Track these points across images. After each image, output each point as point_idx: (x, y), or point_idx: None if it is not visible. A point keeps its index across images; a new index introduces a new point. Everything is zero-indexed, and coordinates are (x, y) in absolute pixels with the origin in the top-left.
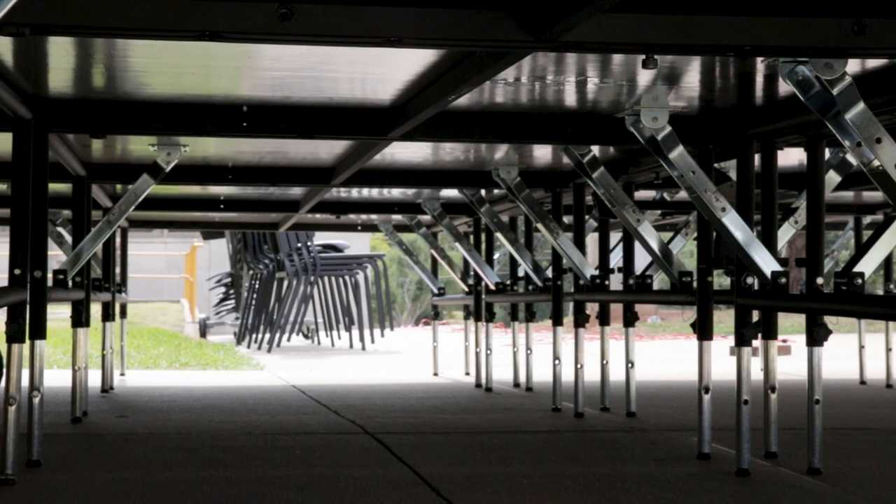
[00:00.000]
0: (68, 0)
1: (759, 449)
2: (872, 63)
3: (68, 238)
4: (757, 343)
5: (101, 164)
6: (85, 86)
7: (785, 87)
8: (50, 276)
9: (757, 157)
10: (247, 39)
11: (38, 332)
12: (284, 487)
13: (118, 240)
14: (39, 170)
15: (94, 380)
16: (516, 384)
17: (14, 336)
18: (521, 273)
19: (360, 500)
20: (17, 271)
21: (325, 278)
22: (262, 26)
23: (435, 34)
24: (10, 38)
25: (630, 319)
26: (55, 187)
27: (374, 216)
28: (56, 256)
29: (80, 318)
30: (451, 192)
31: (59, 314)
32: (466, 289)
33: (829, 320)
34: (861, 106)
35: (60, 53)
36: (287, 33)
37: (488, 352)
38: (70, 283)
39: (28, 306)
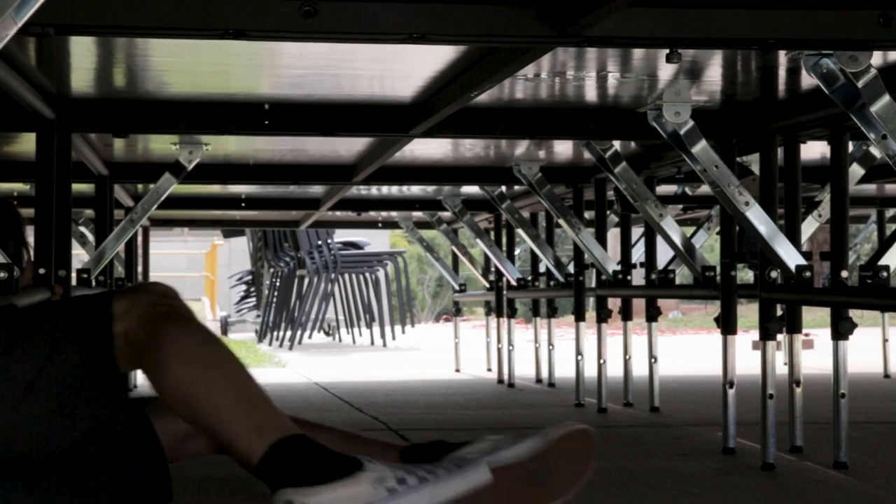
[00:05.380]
0: (92, 0)
1: (784, 443)
2: None
3: (91, 237)
4: (780, 337)
5: (124, 164)
6: (107, 85)
7: (808, 81)
8: (73, 275)
9: (780, 151)
10: (270, 38)
11: None
12: None
13: (140, 239)
14: (63, 170)
15: None
16: (538, 380)
17: None
18: (542, 269)
19: None
20: (41, 271)
21: (346, 275)
22: (284, 24)
23: (458, 30)
24: (33, 39)
25: (652, 314)
26: (77, 187)
27: (394, 213)
28: (78, 256)
29: None
30: (471, 189)
31: None
32: (488, 285)
33: (853, 314)
34: (886, 98)
35: (83, 53)
36: (310, 31)
37: (510, 348)
38: (93, 283)
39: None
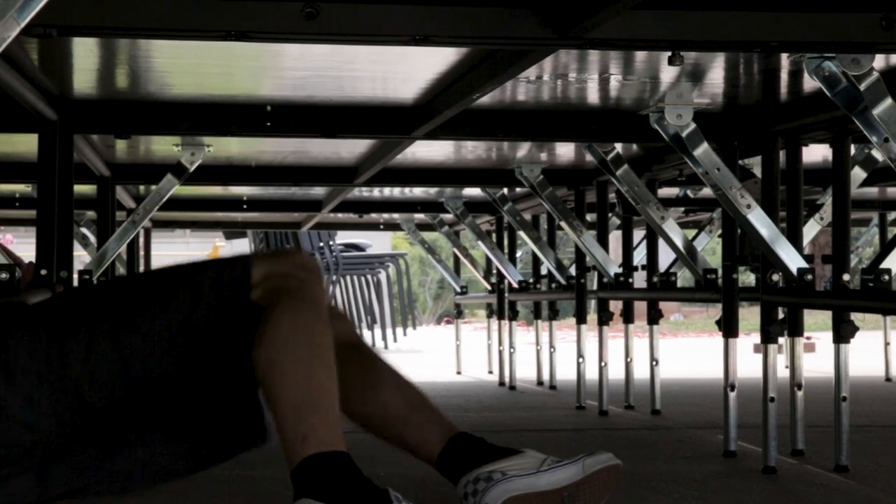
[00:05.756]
0: (95, 1)
1: (785, 447)
2: None
3: (93, 239)
4: (782, 340)
5: (126, 165)
6: (109, 87)
7: (810, 84)
8: (75, 276)
9: (782, 154)
10: (272, 39)
11: None
12: None
13: (141, 240)
14: (65, 171)
15: None
16: (539, 382)
17: None
18: (543, 271)
19: None
20: (43, 272)
21: (347, 277)
22: (287, 26)
23: (461, 32)
24: (35, 40)
25: (654, 317)
26: (79, 188)
27: (396, 215)
28: (80, 257)
29: None
30: (473, 191)
31: None
32: (489, 287)
33: (855, 317)
34: (889, 101)
35: (86, 55)
36: (312, 32)
37: (511, 350)
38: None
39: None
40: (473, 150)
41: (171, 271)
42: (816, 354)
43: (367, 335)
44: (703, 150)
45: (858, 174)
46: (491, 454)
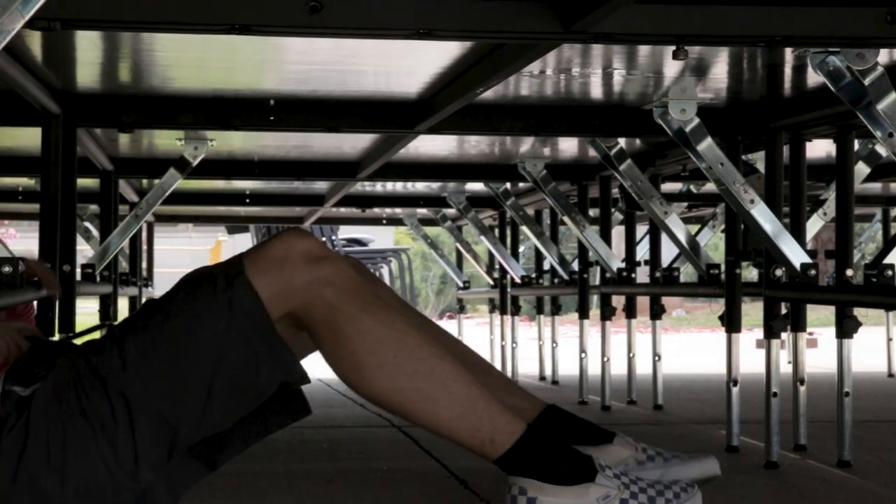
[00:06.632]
0: None
1: (787, 441)
2: None
3: (95, 233)
4: (785, 336)
5: (129, 159)
6: (113, 80)
7: (813, 79)
8: (78, 270)
9: (785, 149)
10: (276, 33)
11: (68, 326)
12: (312, 480)
13: (144, 234)
14: (68, 164)
15: None
16: (542, 377)
17: (43, 330)
18: (546, 266)
19: (388, 493)
20: (46, 265)
21: None
22: (291, 19)
23: (465, 26)
24: (39, 34)
25: (657, 312)
26: (82, 182)
27: (399, 210)
28: (83, 251)
29: (107, 313)
30: (476, 186)
31: (85, 309)
32: (492, 282)
33: (858, 313)
34: (893, 96)
35: (89, 48)
36: (316, 26)
37: (514, 345)
38: (98, 278)
39: (57, 300)
40: (476, 145)
41: (186, 335)
42: (819, 350)
43: None
44: (706, 145)
45: (862, 169)
46: (586, 430)
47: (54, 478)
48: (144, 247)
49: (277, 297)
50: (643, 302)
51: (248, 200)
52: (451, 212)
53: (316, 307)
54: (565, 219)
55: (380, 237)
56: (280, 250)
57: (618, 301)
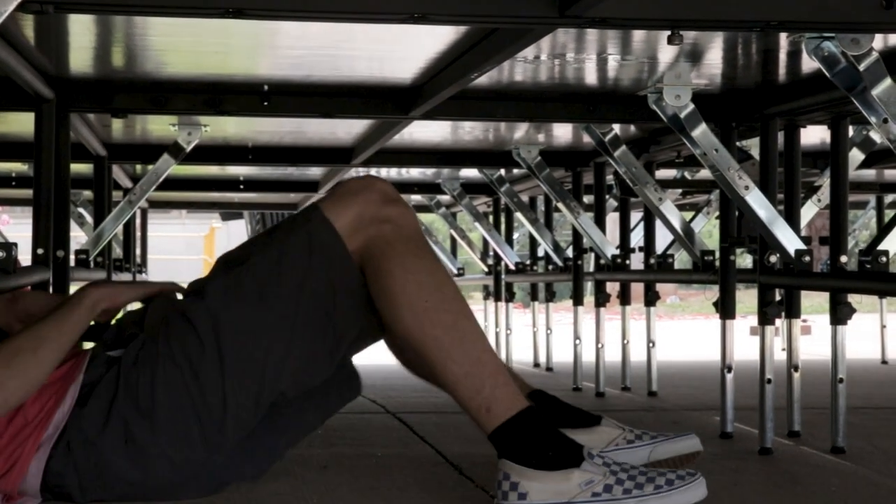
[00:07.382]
0: None
1: (782, 428)
2: None
3: (89, 218)
4: (779, 322)
5: (122, 145)
6: (106, 65)
7: (808, 65)
8: (72, 256)
9: (780, 136)
10: (270, 17)
11: None
12: (307, 467)
13: (138, 220)
14: (61, 150)
15: None
16: (536, 364)
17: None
18: (540, 253)
19: (383, 480)
20: (39, 251)
21: None
22: (285, 3)
23: (460, 10)
24: (31, 18)
25: (651, 299)
26: (76, 168)
27: None
28: (76, 237)
29: None
30: (470, 172)
31: None
32: (486, 269)
33: (852, 300)
34: (888, 82)
35: (82, 32)
36: (311, 10)
37: (508, 332)
38: (92, 264)
39: (51, 286)
40: (471, 131)
41: (271, 270)
42: (813, 337)
43: None
44: (701, 131)
45: (856, 156)
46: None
47: (145, 422)
48: (138, 233)
49: (349, 227)
50: (637, 289)
51: (242, 187)
52: (445, 198)
53: (375, 242)
54: (560, 205)
55: None
56: (359, 185)
57: (612, 288)
